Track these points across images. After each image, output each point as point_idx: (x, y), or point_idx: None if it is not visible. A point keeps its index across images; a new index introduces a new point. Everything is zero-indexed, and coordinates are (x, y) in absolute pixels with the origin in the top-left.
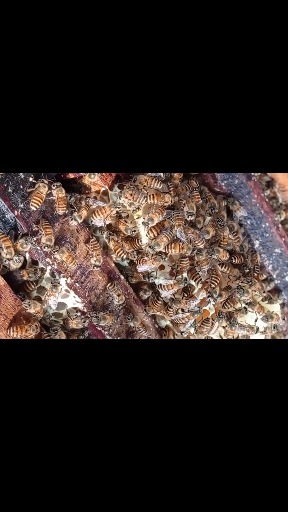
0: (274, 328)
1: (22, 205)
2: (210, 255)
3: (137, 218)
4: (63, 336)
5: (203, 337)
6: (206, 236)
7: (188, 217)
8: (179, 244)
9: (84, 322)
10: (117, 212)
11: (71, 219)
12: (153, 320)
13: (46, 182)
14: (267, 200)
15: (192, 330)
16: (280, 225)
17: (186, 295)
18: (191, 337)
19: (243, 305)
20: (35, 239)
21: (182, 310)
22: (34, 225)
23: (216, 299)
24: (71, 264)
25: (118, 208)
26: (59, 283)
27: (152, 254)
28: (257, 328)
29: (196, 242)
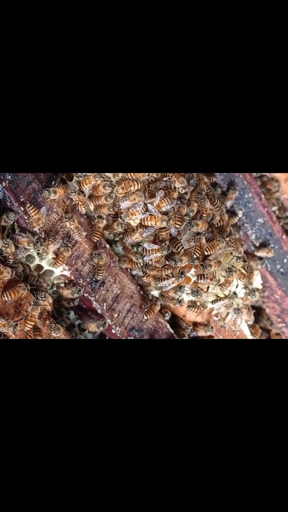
0: (254, 293)
1: (9, 177)
2: (189, 229)
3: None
4: (50, 300)
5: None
6: (191, 213)
7: (181, 190)
8: (155, 217)
9: (79, 291)
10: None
11: (49, 194)
12: (139, 288)
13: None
14: None
15: (184, 295)
16: (262, 196)
17: (168, 263)
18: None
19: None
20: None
21: (167, 276)
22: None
23: (177, 263)
24: (77, 236)
25: (103, 178)
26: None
27: (137, 227)
28: (234, 293)
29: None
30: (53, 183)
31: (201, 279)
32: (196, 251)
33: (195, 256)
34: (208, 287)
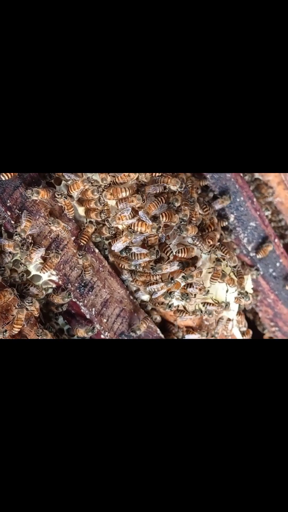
0: (246, 295)
1: None
2: (179, 234)
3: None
4: (37, 306)
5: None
6: (185, 218)
7: (178, 190)
8: (145, 224)
9: (69, 295)
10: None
11: (31, 193)
12: (129, 292)
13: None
14: (241, 174)
15: (174, 300)
16: (254, 199)
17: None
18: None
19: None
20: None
21: (156, 281)
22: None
23: (156, 271)
24: (65, 233)
25: (92, 183)
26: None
27: (123, 231)
28: (227, 304)
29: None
30: (40, 186)
31: (190, 287)
32: (180, 252)
33: (180, 255)
34: (195, 295)
